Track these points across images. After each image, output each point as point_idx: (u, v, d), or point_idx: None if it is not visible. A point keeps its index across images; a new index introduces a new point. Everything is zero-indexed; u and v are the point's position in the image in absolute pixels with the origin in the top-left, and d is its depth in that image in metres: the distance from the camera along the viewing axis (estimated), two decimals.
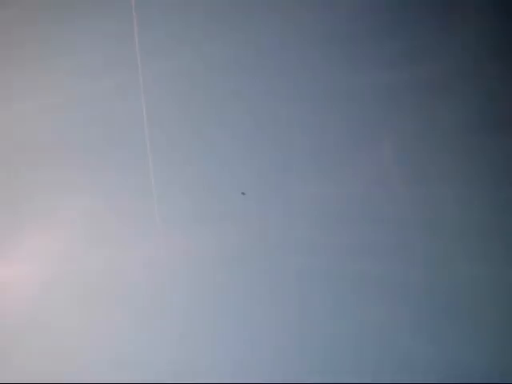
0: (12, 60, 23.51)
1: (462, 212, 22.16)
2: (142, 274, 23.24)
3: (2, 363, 22.06)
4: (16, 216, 23.79)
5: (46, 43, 23.23)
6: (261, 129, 23.64)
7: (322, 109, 23.62)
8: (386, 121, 23.09)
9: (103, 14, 23.02)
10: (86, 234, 23.69)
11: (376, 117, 23.11)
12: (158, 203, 23.02)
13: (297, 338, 22.39)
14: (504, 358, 20.78)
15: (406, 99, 22.99)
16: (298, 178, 23.44)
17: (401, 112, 23.04)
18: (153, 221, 23.22)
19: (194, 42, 23.25)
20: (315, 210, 23.24)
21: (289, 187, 23.40)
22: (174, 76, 23.64)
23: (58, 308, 22.82)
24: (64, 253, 23.39)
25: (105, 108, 23.49)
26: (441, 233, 22.40)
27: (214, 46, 23.18)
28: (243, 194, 23.15)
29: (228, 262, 23.03)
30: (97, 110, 23.60)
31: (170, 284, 22.96)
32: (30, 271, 23.35)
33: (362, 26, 23.11)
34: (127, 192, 23.82)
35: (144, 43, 22.87)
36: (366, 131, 23.20)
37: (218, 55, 23.24)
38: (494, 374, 20.65)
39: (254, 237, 23.12)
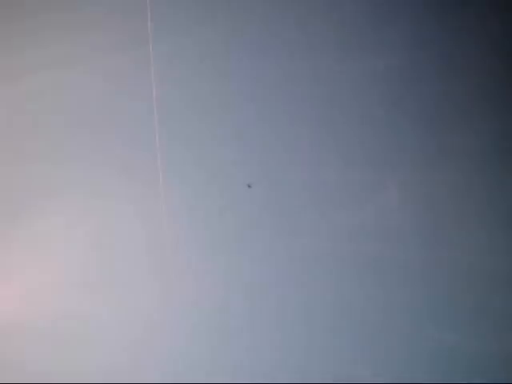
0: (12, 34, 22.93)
1: (465, 200, 22.26)
2: (145, 265, 22.77)
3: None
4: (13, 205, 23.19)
5: (48, 15, 22.64)
6: (266, 116, 23.39)
7: (327, 96, 23.49)
8: (383, 109, 23.15)
9: None
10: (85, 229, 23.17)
11: (376, 106, 23.14)
12: (165, 192, 22.57)
13: (302, 335, 22.22)
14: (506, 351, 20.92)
15: (408, 86, 23.11)
16: (304, 166, 23.27)
17: (402, 100, 23.13)
18: (160, 212, 22.80)
19: (209, 19, 22.93)
20: (319, 196, 23.10)
21: (294, 175, 23.18)
22: (186, 56, 23.27)
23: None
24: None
25: (109, 87, 22.94)
26: (444, 219, 22.48)
27: (228, 24, 22.89)
28: (249, 186, 22.29)
29: (229, 254, 22.68)
30: (99, 90, 23.04)
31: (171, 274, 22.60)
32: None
33: (361, 10, 23.17)
34: (132, 179, 23.25)
35: (157, 19, 22.45)
36: (368, 120, 23.18)
37: (230, 35, 22.96)
38: (495, 366, 20.77)
39: (256, 227, 22.85)
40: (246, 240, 22.66)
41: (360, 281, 22.07)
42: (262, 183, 22.76)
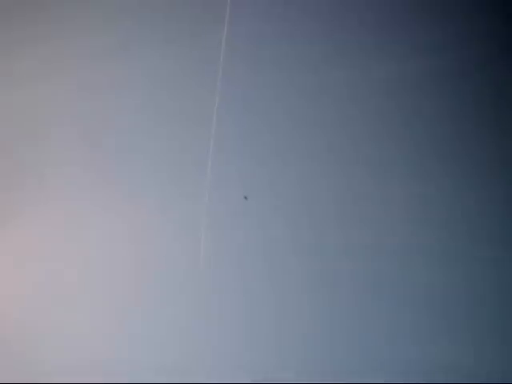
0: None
1: (467, 211, 22.28)
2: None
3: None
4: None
5: None
6: (262, 129, 23.50)
7: (327, 106, 23.61)
8: (387, 117, 23.19)
9: None
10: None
11: (379, 113, 23.19)
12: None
13: (297, 340, 22.32)
14: (504, 357, 20.99)
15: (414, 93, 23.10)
16: (300, 178, 23.23)
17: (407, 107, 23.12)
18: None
19: None
20: (316, 211, 23.19)
21: (290, 188, 23.16)
22: None
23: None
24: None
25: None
26: (442, 231, 22.46)
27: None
28: (246, 198, 21.56)
29: (229, 265, 22.80)
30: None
31: (170, 285, 22.82)
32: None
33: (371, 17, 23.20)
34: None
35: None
36: (369, 128, 23.21)
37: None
38: (495, 374, 20.86)
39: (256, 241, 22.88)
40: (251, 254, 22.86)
41: (358, 298, 22.18)
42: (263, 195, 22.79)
